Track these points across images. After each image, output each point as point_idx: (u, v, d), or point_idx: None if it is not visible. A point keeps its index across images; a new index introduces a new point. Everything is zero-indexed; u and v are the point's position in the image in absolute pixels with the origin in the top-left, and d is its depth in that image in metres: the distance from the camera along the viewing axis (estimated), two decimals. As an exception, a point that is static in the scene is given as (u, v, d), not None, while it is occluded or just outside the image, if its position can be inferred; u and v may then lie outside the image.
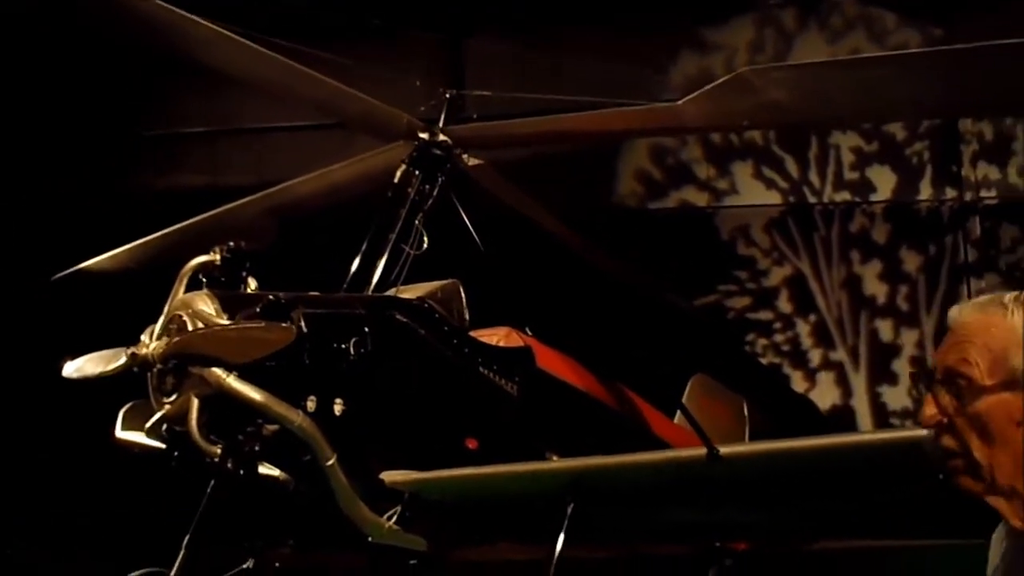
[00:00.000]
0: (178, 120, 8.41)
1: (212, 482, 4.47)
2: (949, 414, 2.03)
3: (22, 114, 7.69)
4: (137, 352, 3.56)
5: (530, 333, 4.61)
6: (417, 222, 4.49)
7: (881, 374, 7.83)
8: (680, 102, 4.14)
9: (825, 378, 7.88)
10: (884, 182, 7.95)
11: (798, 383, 7.88)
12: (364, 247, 4.44)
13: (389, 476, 3.77)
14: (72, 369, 3.99)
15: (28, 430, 7.06)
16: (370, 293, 4.31)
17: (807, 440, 2.78)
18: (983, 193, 7.82)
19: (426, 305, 4.13)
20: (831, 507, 3.25)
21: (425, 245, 4.47)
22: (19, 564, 6.62)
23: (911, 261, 7.89)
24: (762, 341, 7.97)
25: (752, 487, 3.12)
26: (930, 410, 2.07)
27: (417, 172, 4.58)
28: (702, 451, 2.93)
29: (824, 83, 3.85)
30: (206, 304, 3.57)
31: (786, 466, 2.86)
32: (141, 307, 3.76)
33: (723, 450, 2.89)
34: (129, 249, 5.25)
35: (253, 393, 3.43)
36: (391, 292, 4.33)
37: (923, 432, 2.54)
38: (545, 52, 7.58)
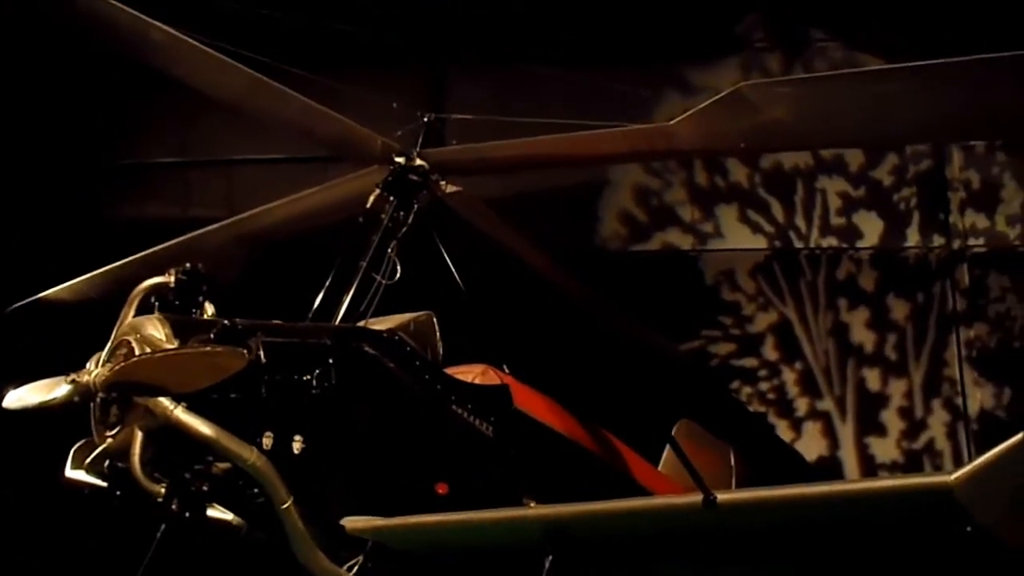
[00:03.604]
0: (150, 150, 8.17)
1: (162, 526, 4.17)
2: None
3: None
4: (78, 379, 3.28)
5: (508, 371, 4.36)
6: (390, 250, 4.25)
7: (869, 425, 7.61)
8: (672, 122, 3.91)
9: (811, 428, 7.64)
10: (871, 228, 7.82)
11: (784, 433, 7.64)
12: (332, 275, 4.18)
13: (351, 522, 3.47)
14: (13, 399, 3.72)
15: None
16: (337, 323, 4.04)
17: (818, 487, 2.50)
18: (971, 241, 7.71)
19: (396, 338, 3.87)
20: (840, 564, 2.97)
21: (398, 275, 4.22)
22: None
23: (899, 309, 7.73)
24: (747, 389, 7.74)
25: (751, 539, 2.84)
26: None
27: (392, 197, 4.35)
28: (697, 497, 2.66)
29: (829, 99, 3.60)
30: (156, 329, 3.30)
31: (791, 516, 2.58)
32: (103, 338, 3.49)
33: (720, 497, 2.61)
34: (89, 278, 5.00)
35: (202, 427, 3.14)
36: (360, 324, 4.07)
37: (950, 478, 2.29)
38: (528, 90, 7.42)
